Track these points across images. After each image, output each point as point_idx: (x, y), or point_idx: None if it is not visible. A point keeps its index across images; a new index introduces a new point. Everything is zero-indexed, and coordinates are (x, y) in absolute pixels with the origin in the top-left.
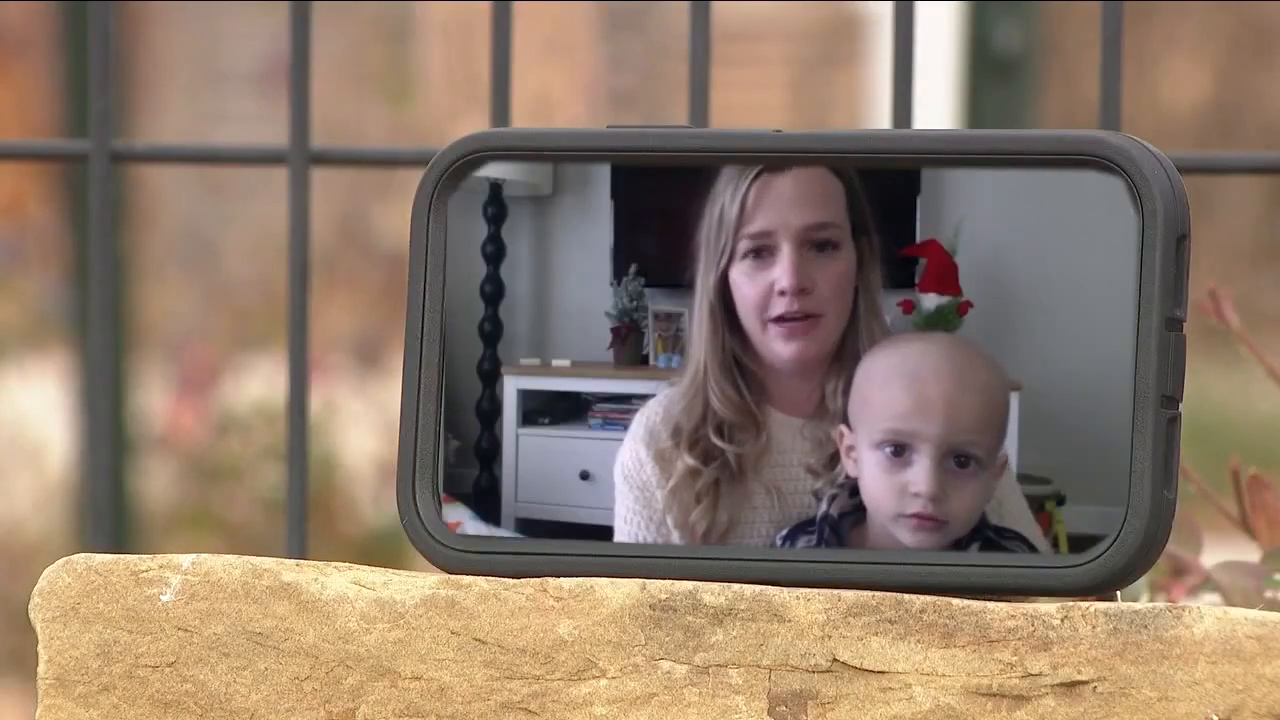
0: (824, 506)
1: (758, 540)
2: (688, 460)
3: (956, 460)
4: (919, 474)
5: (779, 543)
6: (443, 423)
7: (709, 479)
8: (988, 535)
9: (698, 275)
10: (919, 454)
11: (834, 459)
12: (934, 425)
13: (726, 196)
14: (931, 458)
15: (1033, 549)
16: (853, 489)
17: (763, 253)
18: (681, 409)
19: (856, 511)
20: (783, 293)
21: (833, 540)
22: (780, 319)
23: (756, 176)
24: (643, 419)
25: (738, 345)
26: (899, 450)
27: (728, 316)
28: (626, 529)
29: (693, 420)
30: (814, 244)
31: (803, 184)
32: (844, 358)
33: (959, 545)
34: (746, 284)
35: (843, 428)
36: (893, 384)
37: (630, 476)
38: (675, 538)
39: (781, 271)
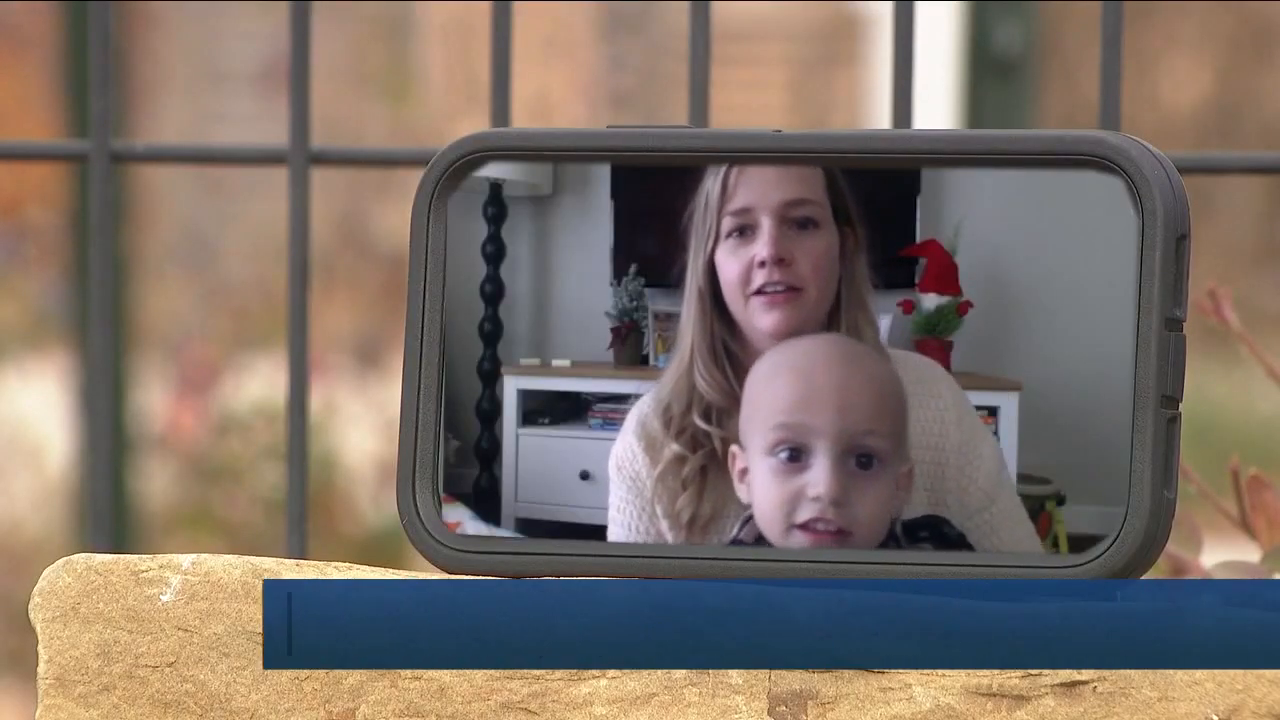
0: (735, 530)
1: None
2: (674, 447)
3: (858, 460)
4: (818, 474)
5: None
6: (443, 423)
7: (695, 466)
8: (896, 543)
9: (688, 262)
10: (816, 454)
11: None
12: (829, 416)
13: (710, 181)
14: (830, 455)
15: (959, 537)
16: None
17: (745, 231)
18: (670, 391)
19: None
20: (763, 264)
21: None
22: (761, 291)
23: None
24: (636, 412)
25: (724, 329)
26: (795, 454)
27: (714, 300)
28: (619, 518)
29: (681, 404)
30: (794, 221)
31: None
32: None
33: None
34: (730, 262)
35: (734, 448)
36: (779, 379)
37: (623, 467)
38: (663, 526)
39: (761, 245)
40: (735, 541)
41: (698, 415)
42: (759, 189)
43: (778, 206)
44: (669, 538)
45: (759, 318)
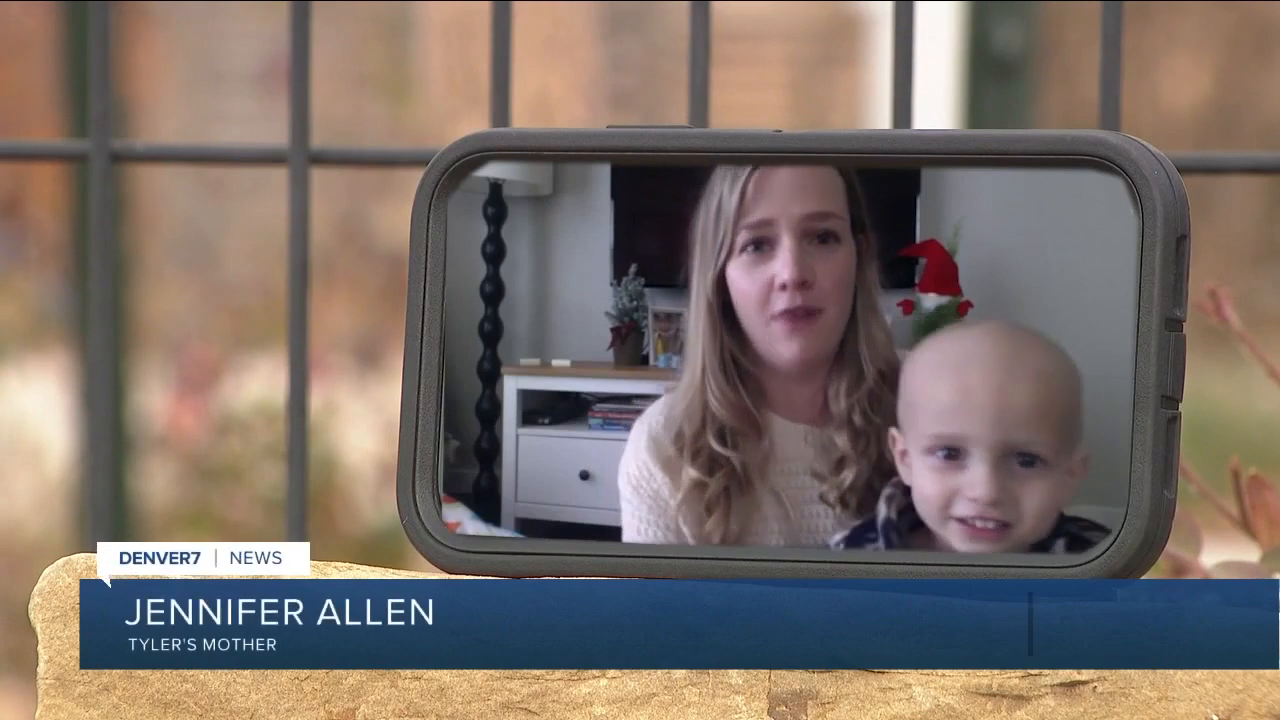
0: (883, 510)
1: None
2: (692, 473)
3: (1021, 459)
4: (975, 476)
5: (836, 546)
6: (443, 423)
7: (717, 489)
8: (1070, 530)
9: (694, 273)
10: (973, 458)
11: (840, 464)
12: (984, 424)
13: (724, 189)
14: (988, 460)
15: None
16: (906, 489)
17: (762, 245)
18: (682, 412)
19: (913, 512)
20: (784, 287)
21: (897, 543)
22: (781, 315)
23: (756, 168)
24: (644, 427)
25: (736, 346)
26: (952, 454)
27: (725, 316)
28: (639, 539)
29: (694, 425)
30: (815, 235)
31: (803, 174)
32: (845, 359)
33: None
34: (745, 279)
35: (894, 431)
36: (936, 381)
37: (640, 487)
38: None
39: (782, 264)
40: (885, 521)
41: (713, 438)
42: (779, 201)
43: (798, 221)
44: None
45: (779, 344)
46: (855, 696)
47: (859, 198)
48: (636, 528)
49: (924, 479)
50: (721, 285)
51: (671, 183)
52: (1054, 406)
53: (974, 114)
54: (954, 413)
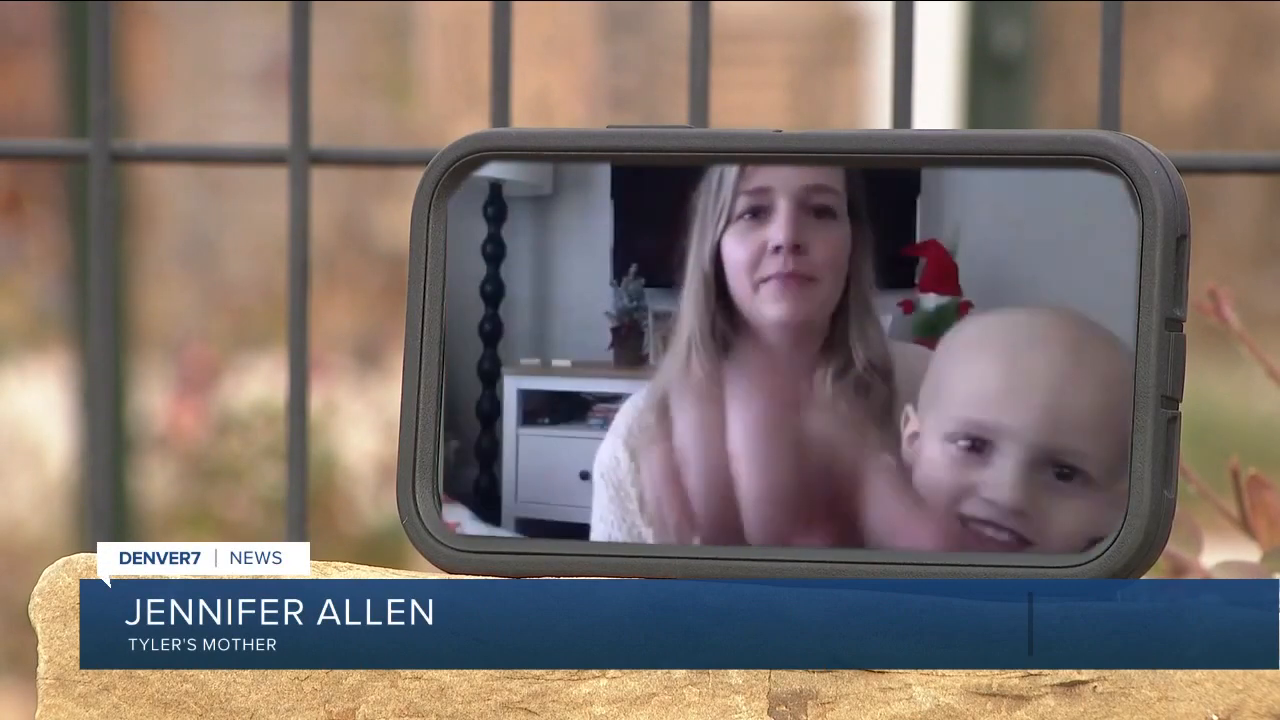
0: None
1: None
2: (661, 451)
3: (1059, 472)
4: (998, 477)
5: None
6: (443, 423)
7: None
8: None
9: (691, 250)
10: (1001, 454)
11: None
12: (1025, 419)
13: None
14: (1019, 461)
15: None
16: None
17: (759, 212)
18: (666, 382)
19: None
20: (777, 249)
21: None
22: (772, 278)
23: None
24: (625, 415)
25: (725, 318)
26: (976, 445)
27: (719, 287)
28: (601, 528)
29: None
30: (812, 208)
31: None
32: (834, 345)
33: None
34: (739, 246)
35: (909, 409)
36: (978, 359)
37: (606, 474)
38: (647, 536)
39: (776, 228)
40: None
41: None
42: (778, 171)
43: (797, 190)
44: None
45: (767, 306)
46: (855, 696)
47: (857, 184)
48: (600, 515)
49: (935, 465)
50: (717, 256)
51: (672, 182)
52: (1113, 421)
53: (974, 114)
54: (989, 403)
